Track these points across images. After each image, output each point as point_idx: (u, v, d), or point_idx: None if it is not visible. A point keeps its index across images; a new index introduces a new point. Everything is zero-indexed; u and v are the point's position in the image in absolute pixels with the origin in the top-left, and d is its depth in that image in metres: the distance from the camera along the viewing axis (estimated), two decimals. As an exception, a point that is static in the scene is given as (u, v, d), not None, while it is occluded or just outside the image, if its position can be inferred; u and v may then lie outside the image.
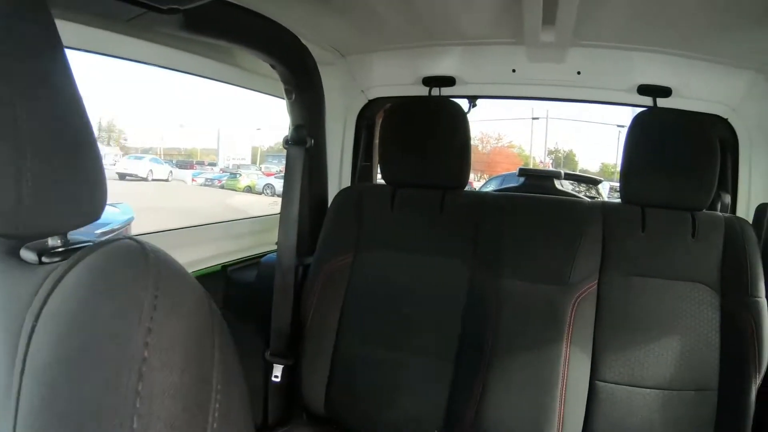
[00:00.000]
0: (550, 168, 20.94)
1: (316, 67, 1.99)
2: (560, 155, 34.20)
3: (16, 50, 0.63)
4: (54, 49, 0.68)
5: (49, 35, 0.68)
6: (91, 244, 0.69)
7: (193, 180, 20.54)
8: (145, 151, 22.84)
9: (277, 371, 1.91)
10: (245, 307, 2.06)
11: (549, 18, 1.67)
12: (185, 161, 24.09)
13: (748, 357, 1.61)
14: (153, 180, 18.62)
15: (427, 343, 1.79)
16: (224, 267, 2.08)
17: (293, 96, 1.98)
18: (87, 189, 0.71)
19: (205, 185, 19.72)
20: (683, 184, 1.75)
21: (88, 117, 0.71)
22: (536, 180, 2.91)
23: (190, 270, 1.63)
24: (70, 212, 0.71)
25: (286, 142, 1.97)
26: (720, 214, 1.90)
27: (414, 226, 1.89)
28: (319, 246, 1.94)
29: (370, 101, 2.43)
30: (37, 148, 0.64)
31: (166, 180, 19.37)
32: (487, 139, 35.24)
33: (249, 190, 17.88)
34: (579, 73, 2.13)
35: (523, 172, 3.19)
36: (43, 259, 0.68)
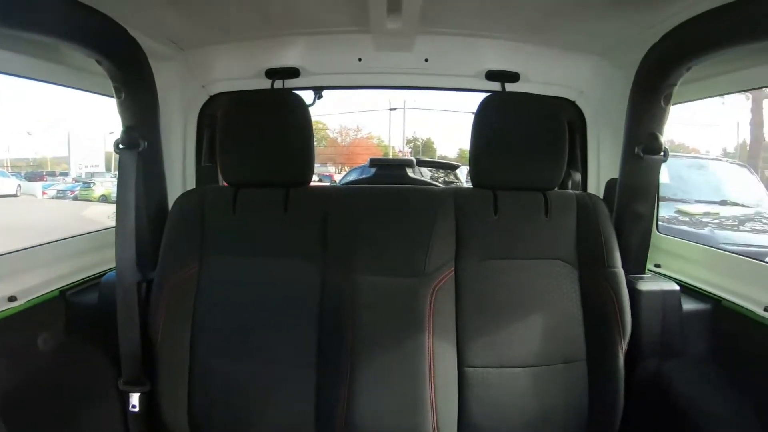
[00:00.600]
0: (409, 157, 21.60)
1: (148, 62, 1.80)
2: (419, 144, 35.67)
3: None
4: None
5: None
6: None
7: (44, 193, 19.41)
8: None
9: (134, 400, 1.74)
10: (91, 334, 1.84)
11: (394, 5, 1.65)
12: (35, 173, 22.77)
13: (611, 325, 1.67)
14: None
15: (285, 351, 1.72)
16: (62, 291, 1.85)
17: (123, 95, 1.78)
18: None
19: (57, 197, 18.66)
20: (533, 165, 1.80)
21: None
22: (387, 170, 2.92)
23: (23, 300, 1.41)
24: None
25: (117, 146, 1.78)
26: (571, 191, 1.98)
27: (259, 227, 1.81)
28: (161, 258, 1.79)
29: (211, 97, 2.32)
30: None
31: (15, 195, 18.18)
32: (346, 132, 36.36)
33: (105, 199, 17.04)
34: (427, 60, 2.16)
35: (374, 162, 3.16)
36: None
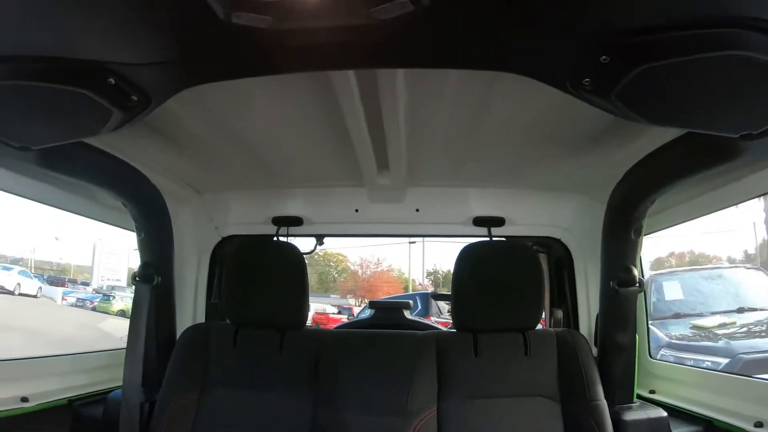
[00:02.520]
0: (430, 290, 21.50)
1: (166, 207, 2.07)
2: (439, 276, 34.91)
3: None
4: None
5: None
6: None
7: (63, 299, 19.44)
8: (15, 261, 21.55)
9: None
10: None
11: (383, 164, 1.92)
12: (57, 277, 22.79)
13: None
14: (19, 294, 17.47)
15: None
16: (71, 401, 2.06)
17: (142, 234, 2.05)
18: None
19: (76, 305, 18.70)
20: (512, 308, 1.94)
21: None
22: (385, 312, 3.09)
23: (34, 402, 1.67)
24: None
25: (134, 279, 2.05)
26: (552, 329, 2.13)
27: (256, 365, 1.98)
28: (164, 383, 1.97)
29: (223, 239, 2.58)
30: None
31: (35, 296, 18.23)
32: (366, 264, 36.06)
33: (123, 314, 17.03)
34: (417, 210, 2.37)
35: (373, 305, 3.38)
36: None
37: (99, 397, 2.15)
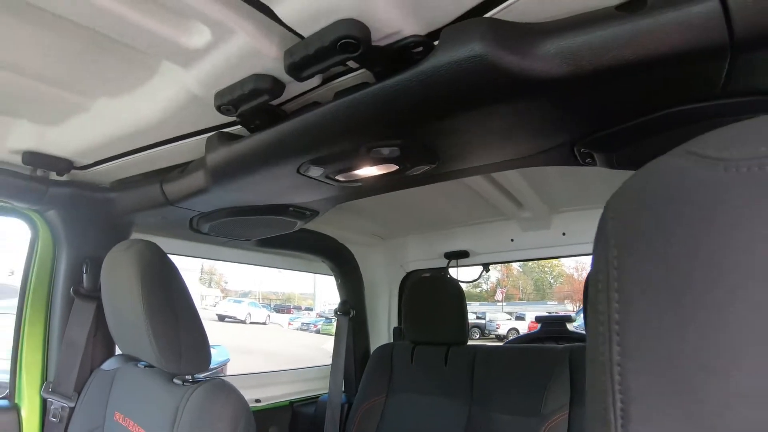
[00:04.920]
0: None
1: (355, 260, 2.79)
2: None
3: None
4: None
5: None
6: (203, 379, 1.34)
7: (289, 324, 21.14)
8: (244, 294, 23.71)
9: None
10: None
11: (518, 203, 2.32)
12: (282, 305, 24.46)
13: None
14: (251, 323, 19.49)
15: None
16: (291, 402, 2.72)
17: (339, 280, 2.81)
18: (203, 351, 1.39)
19: (301, 329, 20.20)
20: None
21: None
22: (550, 326, 3.32)
23: (264, 403, 2.33)
24: (196, 364, 1.37)
25: (335, 312, 2.70)
26: None
27: (427, 374, 2.42)
28: (359, 389, 2.53)
29: (407, 273, 3.09)
30: (187, 321, 1.36)
31: (264, 323, 20.20)
32: (582, 267, 34.26)
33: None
34: (564, 234, 2.62)
35: (539, 319, 3.70)
36: (185, 383, 1.34)
37: (312, 400, 2.80)
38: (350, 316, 2.68)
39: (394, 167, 1.12)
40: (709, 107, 0.81)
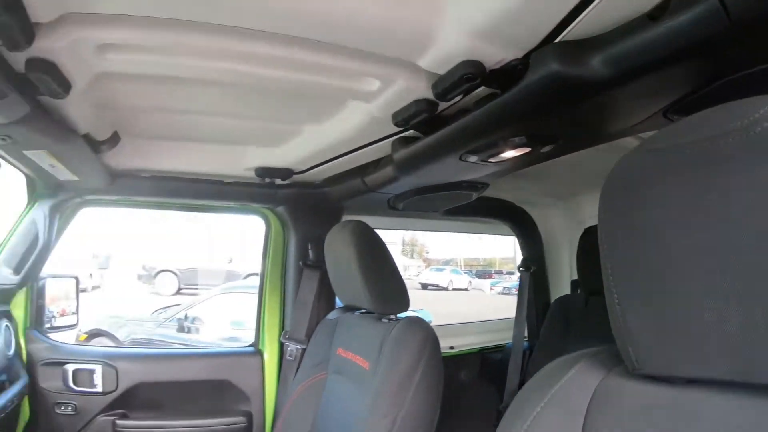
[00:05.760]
0: None
1: (533, 220, 3.06)
2: None
3: None
4: None
5: None
6: (401, 318, 1.72)
7: (491, 289, 21.04)
8: (446, 262, 24.25)
9: None
10: (492, 376, 3.01)
11: None
12: (484, 270, 24.42)
13: None
14: (453, 290, 20.02)
15: None
16: (480, 350, 3.09)
17: (520, 239, 3.12)
18: (402, 296, 1.79)
19: (503, 293, 19.85)
20: None
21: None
22: None
23: (457, 350, 2.75)
24: (397, 306, 1.77)
25: (519, 269, 2.96)
26: None
27: (599, 322, 2.60)
28: (540, 336, 2.82)
29: (586, 229, 3.17)
30: (389, 275, 1.81)
31: (466, 289, 20.55)
32: None
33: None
34: None
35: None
36: (389, 321, 1.74)
37: (498, 348, 3.13)
38: (531, 271, 2.90)
39: (527, 149, 1.40)
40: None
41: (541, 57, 1.01)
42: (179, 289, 15.95)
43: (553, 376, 0.86)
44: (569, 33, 0.95)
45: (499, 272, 24.45)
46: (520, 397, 0.89)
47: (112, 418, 2.34)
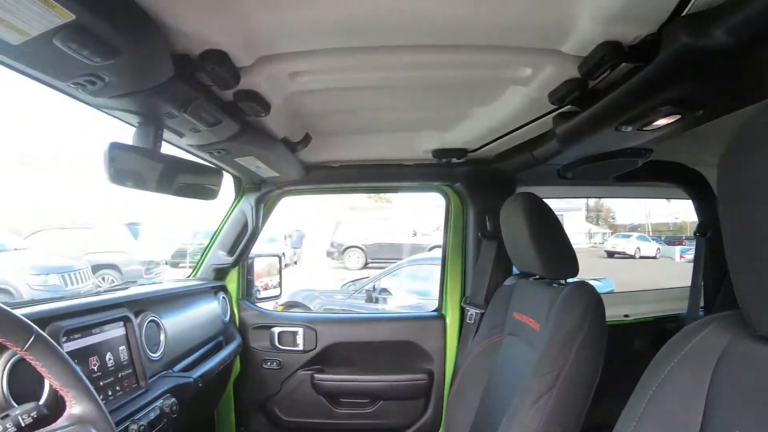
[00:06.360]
0: None
1: (707, 182, 2.88)
2: None
3: None
4: None
5: None
6: (570, 282, 1.83)
7: (681, 257, 19.42)
8: (633, 228, 23.06)
9: None
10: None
11: None
12: (674, 237, 23.03)
13: None
14: (640, 257, 19.01)
15: None
16: (655, 318, 3.07)
17: (694, 203, 2.97)
18: (572, 262, 1.87)
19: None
20: None
21: None
22: None
23: (632, 318, 2.94)
24: (567, 271, 1.87)
25: (695, 234, 2.92)
26: None
27: None
28: (716, 306, 2.78)
29: None
30: (560, 243, 1.89)
31: (654, 257, 19.45)
32: None
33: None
34: None
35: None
36: (559, 285, 1.85)
37: (673, 318, 3.10)
38: (707, 236, 2.83)
39: (677, 116, 1.48)
40: None
41: (672, 30, 1.12)
42: (366, 263, 16.84)
43: (686, 337, 0.94)
44: (694, 5, 1.04)
45: (690, 238, 22.54)
46: (657, 358, 0.99)
47: (311, 372, 2.85)
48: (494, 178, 2.62)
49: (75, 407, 1.05)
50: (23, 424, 1.02)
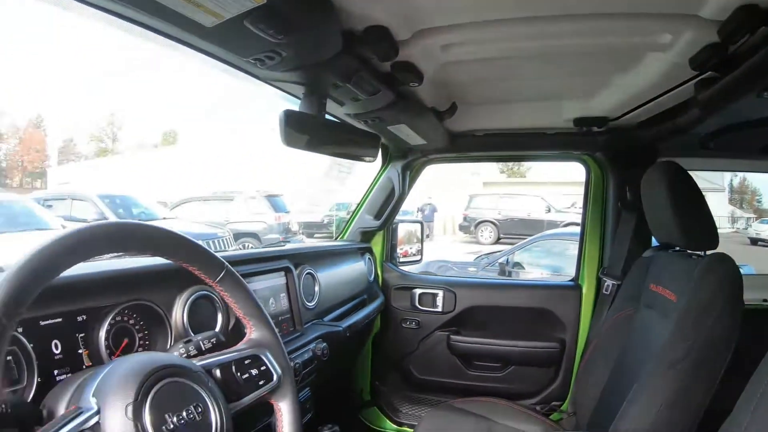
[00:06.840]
0: None
1: None
2: None
3: None
4: None
5: None
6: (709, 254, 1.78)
7: None
8: None
9: None
10: None
11: None
12: None
13: None
14: None
15: None
16: None
17: None
18: (712, 233, 1.81)
19: None
20: None
21: None
22: None
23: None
24: (707, 243, 1.80)
25: None
26: None
27: None
28: None
29: None
30: (700, 212, 1.82)
31: None
32: None
33: None
34: None
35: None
36: (698, 258, 1.81)
37: None
38: None
39: None
40: None
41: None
42: (498, 238, 16.80)
43: None
44: None
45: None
46: None
47: (447, 333, 2.97)
48: (635, 148, 2.57)
49: (254, 333, 1.21)
50: (203, 348, 1.17)
